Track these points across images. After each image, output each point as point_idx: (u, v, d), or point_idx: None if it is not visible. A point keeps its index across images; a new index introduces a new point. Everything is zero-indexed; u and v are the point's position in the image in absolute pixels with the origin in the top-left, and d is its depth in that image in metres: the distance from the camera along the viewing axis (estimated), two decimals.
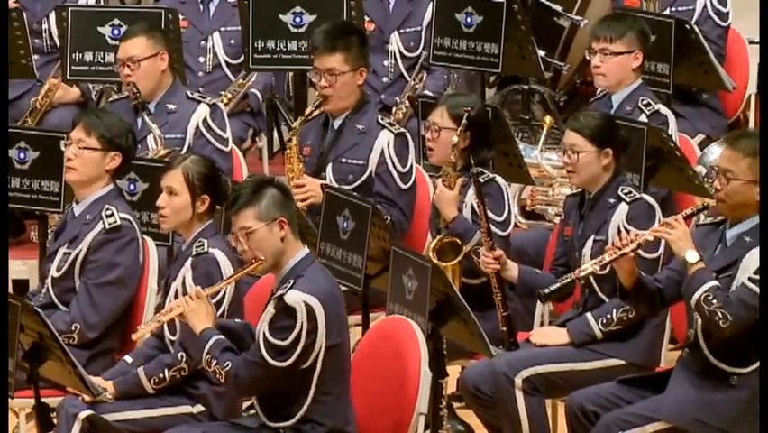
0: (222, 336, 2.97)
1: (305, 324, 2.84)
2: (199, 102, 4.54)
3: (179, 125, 4.46)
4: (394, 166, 4.22)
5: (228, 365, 2.86)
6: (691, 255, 3.01)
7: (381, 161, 4.22)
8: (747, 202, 3.03)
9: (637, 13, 4.83)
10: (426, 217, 4.19)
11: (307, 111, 4.53)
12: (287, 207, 3.01)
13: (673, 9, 5.23)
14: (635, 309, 3.38)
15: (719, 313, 2.92)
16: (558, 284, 3.30)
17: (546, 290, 3.33)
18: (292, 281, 2.91)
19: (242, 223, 2.94)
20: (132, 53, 4.42)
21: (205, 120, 4.46)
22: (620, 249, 3.08)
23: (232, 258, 3.28)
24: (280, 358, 2.83)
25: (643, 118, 4.31)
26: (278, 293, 2.92)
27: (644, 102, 4.39)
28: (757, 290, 2.93)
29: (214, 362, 2.89)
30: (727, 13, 5.28)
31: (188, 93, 4.61)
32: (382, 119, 4.33)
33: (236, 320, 3.18)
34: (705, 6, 5.23)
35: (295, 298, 2.86)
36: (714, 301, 2.93)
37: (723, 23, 5.28)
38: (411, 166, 4.29)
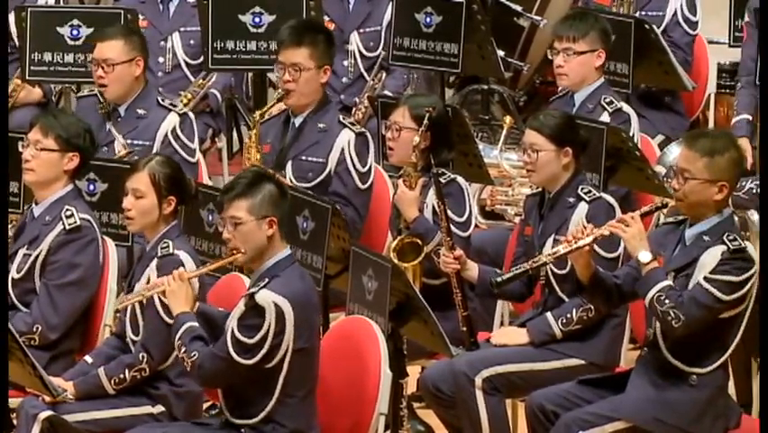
0: (195, 324, 2.98)
1: (272, 324, 2.86)
2: (170, 110, 4.53)
3: (148, 131, 4.44)
4: (353, 165, 4.24)
5: (195, 355, 2.89)
6: (644, 255, 3.06)
7: (341, 160, 4.23)
8: (705, 201, 3.07)
9: (598, 13, 4.89)
10: (386, 218, 4.21)
11: (269, 105, 4.56)
12: (280, 206, 3.03)
13: (643, 14, 5.29)
14: (591, 303, 3.41)
15: (671, 313, 2.96)
16: (511, 273, 3.34)
17: (498, 278, 3.38)
18: (267, 280, 2.94)
19: (232, 212, 2.96)
20: (108, 56, 4.40)
21: (174, 129, 4.45)
22: (575, 242, 3.12)
23: (196, 259, 3.31)
24: (245, 355, 2.86)
25: (605, 116, 4.37)
26: (250, 291, 2.95)
27: (607, 100, 4.44)
28: (712, 289, 2.97)
29: (183, 348, 2.92)
30: (697, 22, 5.36)
31: (159, 99, 4.59)
32: (344, 118, 4.38)
33: (219, 309, 3.20)
34: (675, 13, 5.30)
35: (265, 297, 2.88)
36: (666, 301, 2.97)
37: (692, 32, 5.36)
38: (370, 166, 4.31)
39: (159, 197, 3.30)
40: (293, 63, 4.24)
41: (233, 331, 2.87)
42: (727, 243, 3.02)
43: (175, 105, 4.65)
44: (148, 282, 3.27)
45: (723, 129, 5.07)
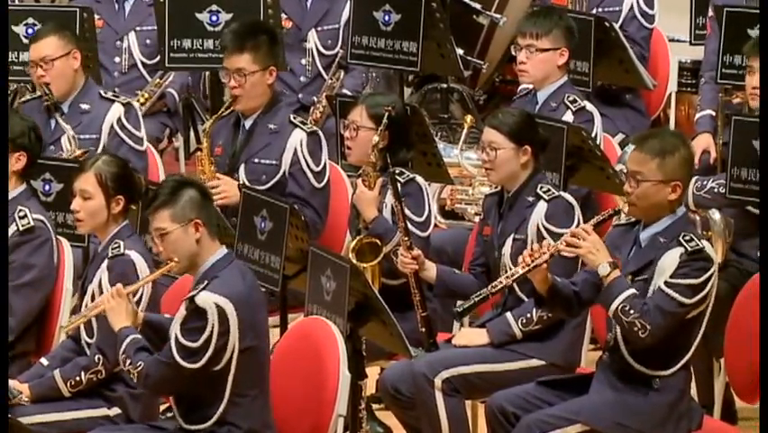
0: (138, 336, 2.98)
1: (216, 326, 2.85)
2: (113, 101, 4.53)
3: (94, 125, 4.45)
4: (307, 165, 4.22)
5: (140, 365, 2.89)
6: (603, 269, 3.02)
7: (294, 161, 4.21)
8: (660, 203, 3.05)
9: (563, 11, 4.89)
10: (345, 218, 4.21)
11: (219, 113, 4.52)
12: (204, 208, 3.02)
13: (600, 9, 5.28)
14: (552, 314, 3.41)
15: (638, 323, 2.92)
16: (472, 301, 3.29)
17: (460, 308, 3.35)
18: (206, 282, 2.93)
19: (157, 224, 2.96)
20: (45, 53, 4.41)
21: (119, 119, 4.45)
22: (532, 261, 3.07)
23: (148, 259, 3.29)
24: (191, 359, 2.86)
25: (568, 115, 4.38)
26: (190, 294, 2.94)
27: (570, 99, 4.46)
28: (675, 294, 2.94)
29: (128, 361, 2.92)
30: (653, 15, 5.37)
31: (101, 92, 4.60)
32: (294, 118, 4.38)
33: (166, 315, 3.19)
34: (632, 7, 5.30)
35: (206, 299, 2.88)
36: (631, 312, 2.91)
37: (648, 25, 5.37)
38: (325, 165, 4.29)
39: (107, 197, 3.29)
40: (237, 69, 4.23)
41: (176, 336, 2.87)
42: (685, 244, 2.99)
43: (117, 96, 4.67)
44: (100, 284, 3.26)
45: (668, 128, 5.11)
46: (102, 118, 4.43)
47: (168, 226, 2.91)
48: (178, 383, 2.92)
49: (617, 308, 2.97)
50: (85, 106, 4.46)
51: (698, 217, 4.03)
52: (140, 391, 3.19)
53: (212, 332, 2.85)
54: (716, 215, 4.09)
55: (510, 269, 3.42)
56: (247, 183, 4.15)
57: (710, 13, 4.97)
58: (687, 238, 3.02)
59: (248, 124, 4.31)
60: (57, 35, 4.47)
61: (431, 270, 3.70)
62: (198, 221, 2.96)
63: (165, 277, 3.30)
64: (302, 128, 4.29)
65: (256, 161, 4.26)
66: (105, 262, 3.25)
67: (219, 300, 2.85)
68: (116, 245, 3.25)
